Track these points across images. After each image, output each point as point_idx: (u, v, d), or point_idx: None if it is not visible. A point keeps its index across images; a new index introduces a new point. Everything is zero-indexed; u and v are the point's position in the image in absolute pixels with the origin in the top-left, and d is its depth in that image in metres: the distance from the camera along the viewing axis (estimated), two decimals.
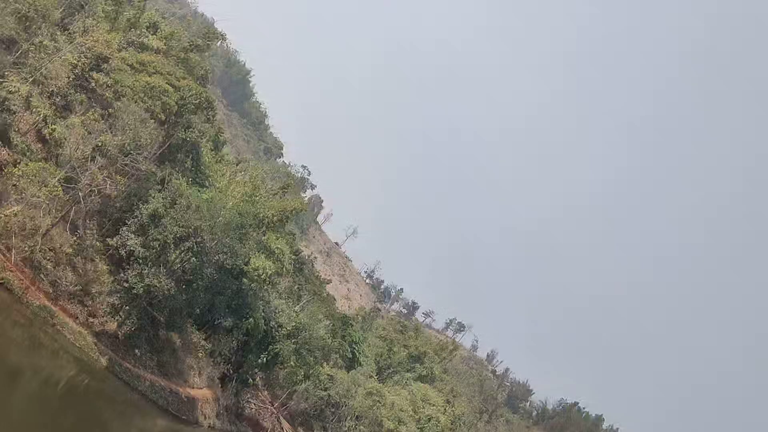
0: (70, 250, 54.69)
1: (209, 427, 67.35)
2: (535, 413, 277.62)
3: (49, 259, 52.65)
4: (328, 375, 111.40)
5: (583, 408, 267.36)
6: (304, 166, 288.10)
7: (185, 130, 66.63)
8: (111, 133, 59.09)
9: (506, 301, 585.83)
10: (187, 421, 62.12)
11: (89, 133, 58.71)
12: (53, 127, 57.64)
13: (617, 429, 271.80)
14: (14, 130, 54.24)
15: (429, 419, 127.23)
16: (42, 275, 51.77)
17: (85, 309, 54.96)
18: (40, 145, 58.01)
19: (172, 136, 65.55)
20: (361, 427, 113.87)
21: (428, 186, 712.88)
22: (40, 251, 51.42)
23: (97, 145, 56.92)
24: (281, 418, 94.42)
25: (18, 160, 53.41)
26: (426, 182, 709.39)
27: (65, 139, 58.16)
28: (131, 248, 56.41)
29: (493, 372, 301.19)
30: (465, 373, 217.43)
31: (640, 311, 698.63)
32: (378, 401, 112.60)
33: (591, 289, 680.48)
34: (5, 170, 51.88)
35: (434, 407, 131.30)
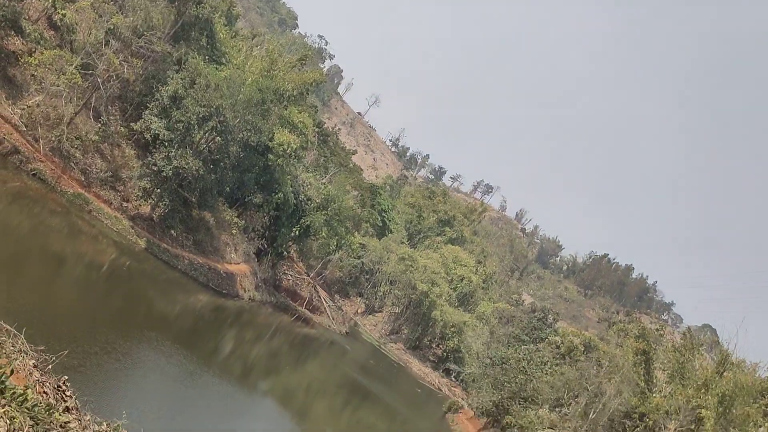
0: (96, 137, 55.01)
1: (249, 299, 69.84)
2: (565, 267, 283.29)
3: (76, 148, 53.10)
4: (360, 243, 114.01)
5: (613, 259, 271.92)
6: (320, 36, 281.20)
7: (196, 6, 64.77)
8: (122, 14, 57.77)
9: (534, 156, 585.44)
10: (227, 295, 64.42)
11: (100, 16, 57.49)
12: (63, 11, 56.38)
13: (647, 276, 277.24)
14: (25, 18, 53.21)
15: (461, 279, 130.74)
16: (72, 164, 52.39)
17: (118, 194, 55.95)
18: (52, 33, 57.02)
19: (184, 14, 63.86)
20: (396, 290, 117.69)
21: (450, 43, 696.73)
22: (67, 140, 51.74)
23: (109, 29, 55.85)
24: (317, 287, 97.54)
25: (33, 49, 52.74)
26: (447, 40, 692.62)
27: (77, 24, 57.02)
28: (156, 131, 56.47)
29: (523, 230, 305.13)
30: (494, 234, 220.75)
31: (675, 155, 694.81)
32: (410, 266, 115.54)
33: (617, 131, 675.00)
34: (22, 60, 51.37)
35: (466, 268, 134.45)
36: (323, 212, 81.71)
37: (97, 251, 48.39)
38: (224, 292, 64.23)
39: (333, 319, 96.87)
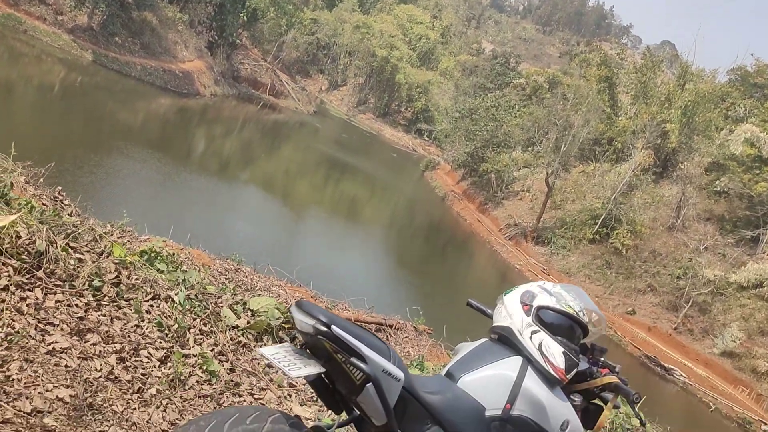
0: None
1: (211, 95, 68.90)
2: (521, 8, 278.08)
3: None
4: (311, 19, 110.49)
5: None
6: None
7: None
8: None
9: None
10: (188, 95, 63.44)
11: None
12: None
13: (603, 2, 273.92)
14: None
15: (419, 38, 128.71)
16: None
17: (50, 8, 52.90)
18: None
19: None
20: (356, 61, 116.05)
21: None
22: None
23: None
24: (277, 71, 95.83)
25: None
26: None
27: None
28: None
29: None
30: None
31: None
32: (366, 33, 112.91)
33: None
34: None
35: (422, 25, 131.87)
36: None
37: (44, 72, 46.71)
38: (184, 92, 63.17)
39: (298, 100, 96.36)
